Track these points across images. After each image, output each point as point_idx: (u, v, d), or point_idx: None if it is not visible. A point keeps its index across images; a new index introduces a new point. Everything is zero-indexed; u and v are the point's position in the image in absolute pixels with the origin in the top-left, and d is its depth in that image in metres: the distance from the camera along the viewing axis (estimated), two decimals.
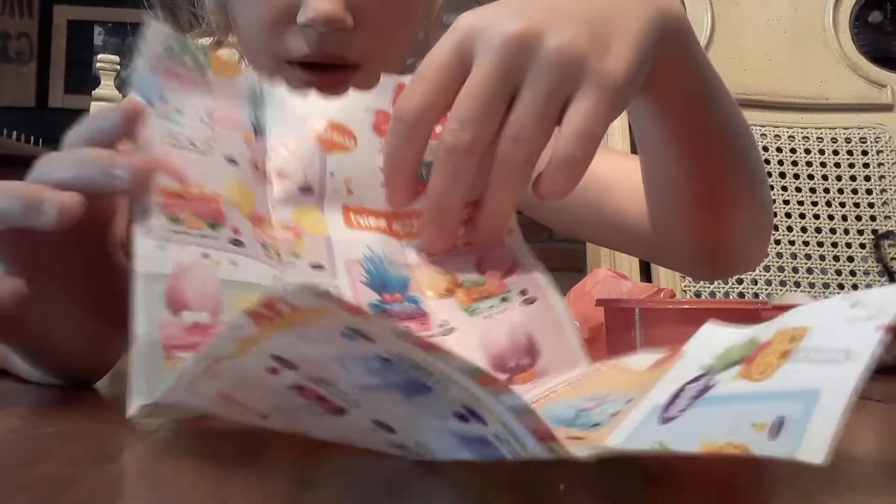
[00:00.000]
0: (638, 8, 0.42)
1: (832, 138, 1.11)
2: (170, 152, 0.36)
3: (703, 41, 1.09)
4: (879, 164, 1.10)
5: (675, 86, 0.48)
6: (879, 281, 1.06)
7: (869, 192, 1.09)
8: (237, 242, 0.36)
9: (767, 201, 0.59)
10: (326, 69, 0.57)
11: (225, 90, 0.40)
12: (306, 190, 0.41)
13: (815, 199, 1.09)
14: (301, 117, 0.42)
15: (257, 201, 0.39)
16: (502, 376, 0.38)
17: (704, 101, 0.50)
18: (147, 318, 0.32)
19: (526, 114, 0.38)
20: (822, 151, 1.10)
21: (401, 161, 0.40)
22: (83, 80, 2.68)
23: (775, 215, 1.07)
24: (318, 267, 0.40)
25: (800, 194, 1.09)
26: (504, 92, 0.38)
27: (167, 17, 0.66)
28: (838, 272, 1.06)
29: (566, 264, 2.83)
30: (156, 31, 0.39)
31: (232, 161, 0.38)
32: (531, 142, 0.38)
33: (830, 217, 1.08)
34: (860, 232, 1.08)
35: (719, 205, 0.54)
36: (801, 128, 1.11)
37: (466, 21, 0.39)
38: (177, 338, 0.32)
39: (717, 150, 0.52)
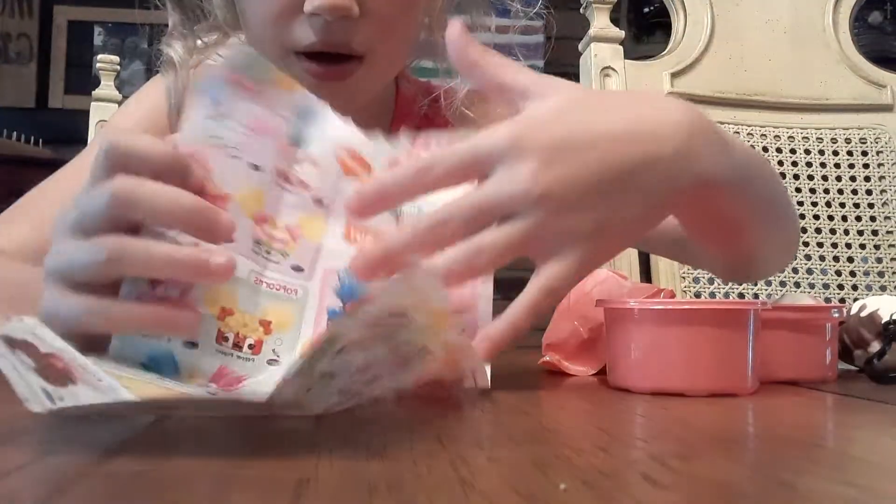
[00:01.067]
0: (654, 188, 0.45)
1: (832, 138, 1.11)
2: (204, 149, 0.42)
3: (702, 41, 1.09)
4: (879, 165, 1.10)
5: (728, 213, 0.52)
6: (879, 281, 1.06)
7: (869, 192, 1.09)
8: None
9: (793, 222, 0.65)
10: (332, 60, 0.59)
11: (279, 102, 0.45)
12: (318, 202, 0.46)
13: (815, 200, 1.09)
14: (332, 139, 0.46)
15: (268, 204, 0.44)
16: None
17: (759, 205, 0.54)
18: None
19: (504, 243, 0.42)
20: (822, 152, 1.10)
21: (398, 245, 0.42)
22: (83, 80, 2.68)
23: None
24: (298, 269, 0.45)
25: (800, 194, 1.09)
26: (490, 218, 0.42)
27: (175, 11, 0.68)
28: (838, 272, 1.06)
29: None
30: (237, 48, 0.48)
31: (255, 167, 0.44)
32: (494, 261, 0.42)
33: (830, 217, 1.08)
34: (860, 232, 1.08)
35: (750, 245, 0.58)
36: (801, 128, 1.11)
37: (507, 140, 0.42)
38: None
39: (748, 228, 0.56)
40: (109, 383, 0.33)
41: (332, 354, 0.29)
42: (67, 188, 0.72)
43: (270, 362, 0.42)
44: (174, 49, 0.67)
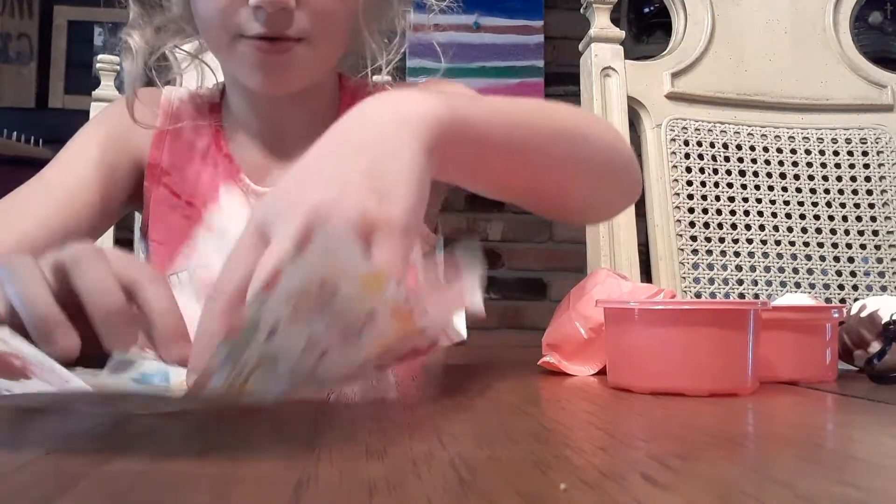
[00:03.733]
0: (400, 142, 0.44)
1: (832, 139, 1.11)
2: None
3: (703, 41, 1.09)
4: (880, 165, 1.10)
5: (468, 169, 0.52)
6: (879, 281, 1.06)
7: (869, 192, 1.09)
8: None
9: (600, 161, 0.64)
10: (274, 40, 0.68)
11: None
12: None
13: (816, 200, 1.09)
14: None
15: None
16: None
17: (509, 154, 0.54)
18: None
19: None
20: (822, 152, 1.10)
21: (210, 334, 0.40)
22: (83, 80, 2.68)
23: (775, 215, 1.07)
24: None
25: (800, 195, 1.09)
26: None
27: (135, 4, 0.76)
28: (838, 272, 1.06)
29: (566, 264, 2.84)
30: None
31: None
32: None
33: (830, 217, 1.08)
34: (860, 232, 1.08)
35: (564, 201, 0.61)
36: (802, 128, 1.11)
37: (261, 208, 0.42)
38: None
39: (542, 174, 0.57)
40: (76, 383, 0.34)
41: (260, 340, 0.29)
42: (50, 187, 0.74)
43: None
44: (133, 38, 0.75)
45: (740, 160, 1.08)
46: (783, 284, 1.05)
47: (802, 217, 1.08)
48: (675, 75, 1.08)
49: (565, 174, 0.59)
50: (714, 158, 1.08)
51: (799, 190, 1.09)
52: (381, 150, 0.44)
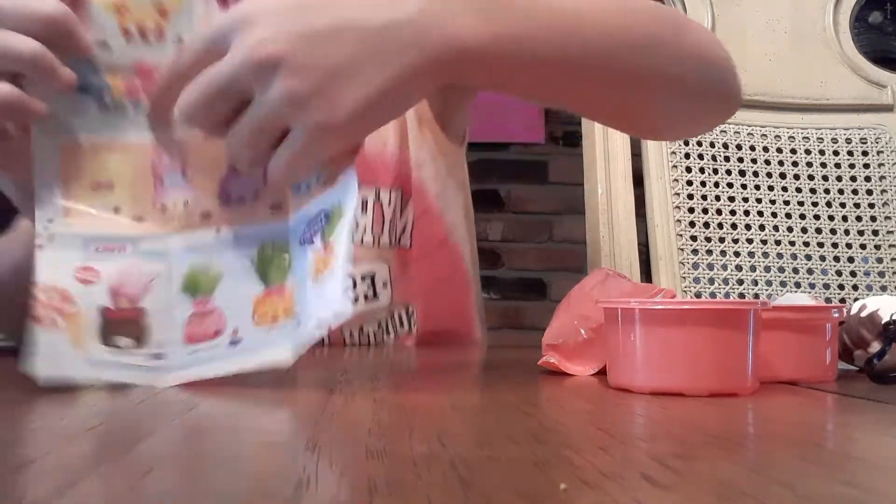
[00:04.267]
0: (399, 60, 0.44)
1: (832, 139, 1.11)
2: None
3: None
4: (880, 165, 1.10)
5: (510, 86, 0.50)
6: (879, 281, 1.06)
7: (869, 192, 1.09)
8: None
9: (708, 86, 0.58)
10: None
11: None
12: None
13: (816, 200, 1.09)
14: None
15: None
16: None
17: (567, 69, 0.50)
18: None
19: (243, 126, 0.44)
20: (822, 152, 1.10)
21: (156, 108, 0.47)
22: None
23: (775, 215, 1.07)
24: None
25: (800, 194, 1.09)
26: (231, 94, 0.44)
27: None
28: (839, 272, 1.06)
29: (566, 264, 2.84)
30: None
31: None
32: (242, 148, 0.45)
33: (831, 217, 1.08)
34: (860, 232, 1.08)
35: (640, 118, 0.57)
36: (801, 128, 1.11)
37: (238, 15, 0.43)
38: None
39: (612, 87, 0.53)
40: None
41: None
42: None
43: (178, 44, 0.47)
44: None
45: (740, 160, 1.08)
46: (783, 284, 1.05)
47: (802, 217, 1.08)
48: None
49: (641, 88, 0.53)
50: (714, 158, 1.08)
51: (799, 190, 1.09)
52: (373, 50, 0.43)
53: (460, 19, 0.45)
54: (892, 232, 1.07)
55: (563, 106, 0.57)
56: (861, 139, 1.11)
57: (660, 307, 0.47)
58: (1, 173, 0.51)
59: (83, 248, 0.46)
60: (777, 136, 1.10)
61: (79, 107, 0.47)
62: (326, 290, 0.44)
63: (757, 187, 1.08)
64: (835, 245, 1.07)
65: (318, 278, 0.45)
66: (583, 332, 0.55)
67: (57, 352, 0.43)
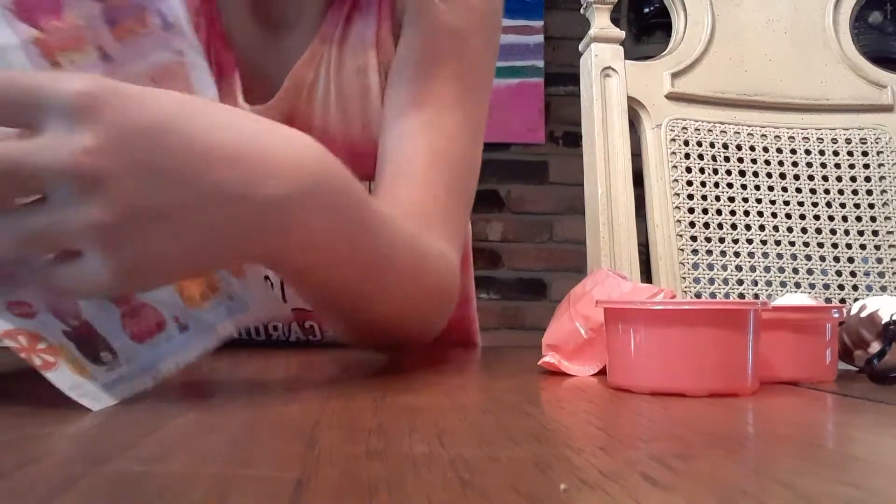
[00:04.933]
0: (234, 229, 0.39)
1: (832, 139, 1.11)
2: None
3: (703, 41, 1.10)
4: (880, 165, 1.10)
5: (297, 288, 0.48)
6: (879, 281, 1.06)
7: (869, 192, 1.09)
8: None
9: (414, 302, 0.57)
10: None
11: None
12: None
13: (816, 200, 1.09)
14: None
15: None
16: (98, 6, 0.42)
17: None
18: None
19: (21, 226, 0.36)
20: (822, 152, 1.10)
21: None
22: None
23: (775, 215, 1.07)
24: None
25: (800, 195, 1.09)
26: (19, 181, 0.35)
27: None
28: (838, 272, 1.06)
29: (566, 264, 2.84)
30: None
31: None
32: (6, 243, 0.36)
33: (830, 217, 1.08)
34: (860, 232, 1.08)
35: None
36: (802, 128, 1.11)
37: (87, 99, 0.34)
38: None
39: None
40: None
41: None
42: None
43: None
44: None
45: (740, 160, 1.08)
46: (783, 284, 1.05)
47: (802, 217, 1.08)
48: (675, 75, 1.08)
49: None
50: (714, 158, 1.08)
51: (799, 190, 1.09)
52: (216, 216, 0.37)
53: (313, 227, 0.42)
54: (891, 232, 1.07)
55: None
56: (861, 139, 1.11)
57: (660, 307, 0.47)
58: None
59: None
60: (777, 136, 1.10)
61: None
62: (256, 287, 0.45)
63: (757, 187, 1.08)
64: (835, 245, 1.07)
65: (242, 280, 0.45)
66: (583, 332, 0.55)
67: (80, 388, 0.39)
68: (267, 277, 0.46)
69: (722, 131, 1.09)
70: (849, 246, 1.07)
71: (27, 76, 0.36)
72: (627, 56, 1.07)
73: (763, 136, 1.10)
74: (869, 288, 1.05)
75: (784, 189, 1.09)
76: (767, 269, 1.05)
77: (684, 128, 1.08)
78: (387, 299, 0.53)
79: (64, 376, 0.39)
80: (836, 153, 1.10)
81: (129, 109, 0.35)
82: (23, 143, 0.34)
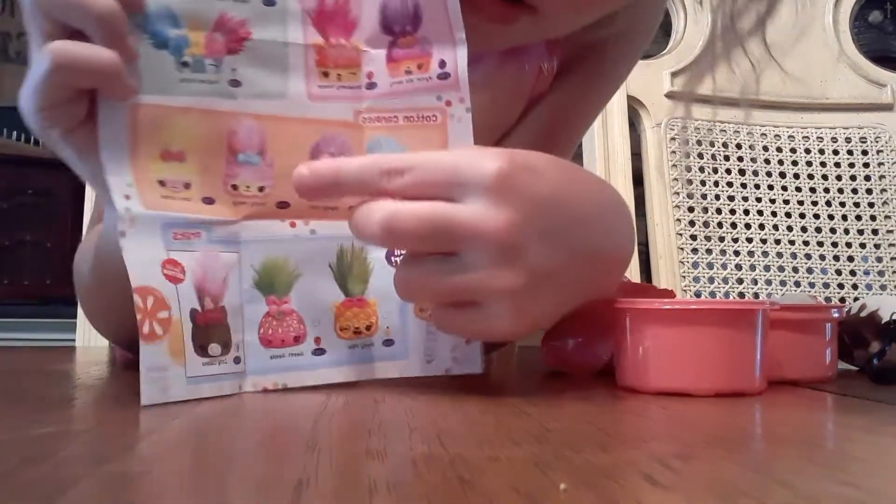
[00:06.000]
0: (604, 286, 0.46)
1: (832, 138, 1.11)
2: None
3: (703, 41, 1.10)
4: (880, 164, 1.10)
5: None
6: (879, 280, 1.06)
7: (869, 191, 1.09)
8: None
9: None
10: None
11: None
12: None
13: (815, 199, 1.09)
14: None
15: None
16: (386, 39, 0.44)
17: None
18: None
19: (438, 279, 0.40)
20: (822, 151, 1.10)
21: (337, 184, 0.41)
22: None
23: (775, 215, 1.07)
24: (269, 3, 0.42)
25: (800, 194, 1.09)
26: (441, 240, 0.40)
27: None
28: (838, 272, 1.06)
29: None
30: None
31: None
32: (423, 291, 0.42)
33: (830, 217, 1.08)
34: (860, 232, 1.08)
35: None
36: (802, 127, 1.11)
37: (511, 171, 0.39)
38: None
39: None
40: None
41: None
42: None
43: (265, 2, 0.42)
44: None
45: (740, 159, 1.08)
46: (783, 283, 1.05)
47: (802, 216, 1.08)
48: (674, 74, 1.08)
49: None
50: (714, 157, 1.08)
51: (799, 189, 1.09)
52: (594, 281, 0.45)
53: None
54: (891, 231, 1.07)
55: None
56: (861, 138, 1.11)
57: (667, 307, 0.47)
58: (83, 158, 0.41)
59: (162, 234, 0.40)
60: (777, 136, 1.10)
61: (152, 64, 0.40)
62: (450, 337, 0.45)
63: (757, 186, 1.08)
64: (835, 244, 1.07)
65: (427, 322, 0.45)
66: (583, 332, 0.55)
67: (161, 372, 0.38)
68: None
69: (722, 131, 1.09)
70: (849, 245, 1.07)
71: (449, 156, 0.42)
72: None
73: (763, 135, 1.09)
74: (869, 287, 1.05)
75: (784, 188, 1.09)
76: (767, 268, 1.05)
77: (684, 127, 1.08)
78: None
79: (156, 354, 0.38)
80: (836, 152, 1.10)
81: (536, 182, 0.40)
82: (453, 206, 0.39)
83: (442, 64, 0.43)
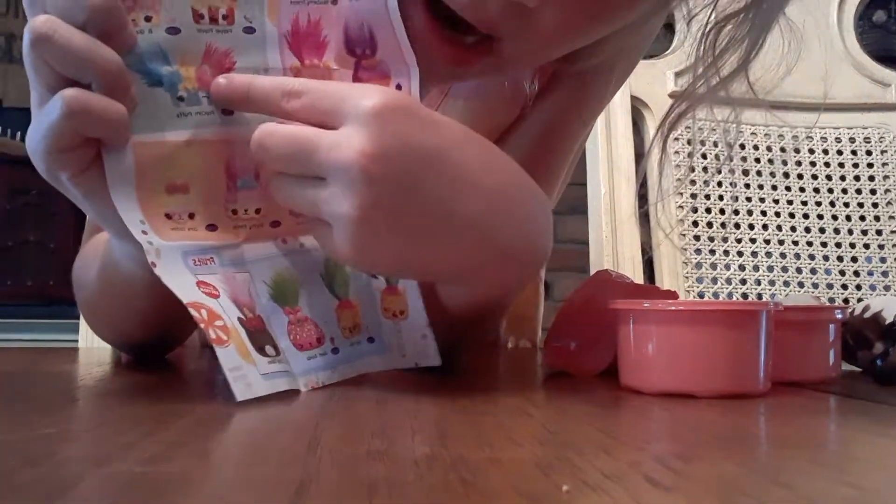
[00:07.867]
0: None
1: (836, 138, 1.11)
2: None
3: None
4: (883, 164, 1.10)
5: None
6: (883, 281, 1.05)
7: (873, 191, 1.09)
8: (173, 30, 0.42)
9: None
10: None
11: None
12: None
13: (819, 199, 1.09)
14: None
15: None
16: (352, 60, 0.45)
17: None
18: None
19: (301, 192, 0.42)
20: (825, 151, 1.10)
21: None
22: None
23: (778, 215, 1.07)
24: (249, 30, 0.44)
25: (803, 194, 1.09)
26: (303, 160, 0.41)
27: None
28: (842, 272, 1.06)
29: (568, 264, 2.83)
30: None
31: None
32: (290, 199, 0.43)
33: (834, 217, 1.08)
34: (864, 232, 1.08)
35: None
36: (805, 127, 1.11)
37: (378, 106, 0.40)
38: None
39: None
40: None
41: None
42: None
43: (246, 30, 0.43)
44: None
45: (743, 160, 1.08)
46: (786, 284, 1.05)
47: (806, 217, 1.08)
48: (677, 74, 1.08)
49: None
50: (717, 158, 1.07)
51: (802, 189, 1.09)
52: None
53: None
54: (895, 232, 1.07)
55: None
56: (865, 138, 1.10)
57: (671, 308, 0.47)
58: (90, 199, 0.43)
59: (184, 262, 0.42)
60: (780, 136, 1.10)
61: (150, 102, 0.41)
62: (410, 334, 0.48)
63: (760, 187, 1.08)
64: (838, 245, 1.07)
65: (398, 323, 0.48)
66: (585, 332, 0.55)
67: (240, 371, 0.40)
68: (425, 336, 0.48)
69: (725, 130, 1.08)
70: (852, 245, 1.07)
71: (342, 86, 0.43)
72: None
73: (766, 135, 1.09)
74: (872, 288, 1.05)
75: (788, 188, 1.08)
76: (771, 269, 1.05)
77: (687, 127, 1.07)
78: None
79: (231, 356, 0.40)
80: (840, 152, 1.10)
81: (420, 131, 0.41)
82: (322, 131, 0.40)
83: (398, 87, 0.45)
